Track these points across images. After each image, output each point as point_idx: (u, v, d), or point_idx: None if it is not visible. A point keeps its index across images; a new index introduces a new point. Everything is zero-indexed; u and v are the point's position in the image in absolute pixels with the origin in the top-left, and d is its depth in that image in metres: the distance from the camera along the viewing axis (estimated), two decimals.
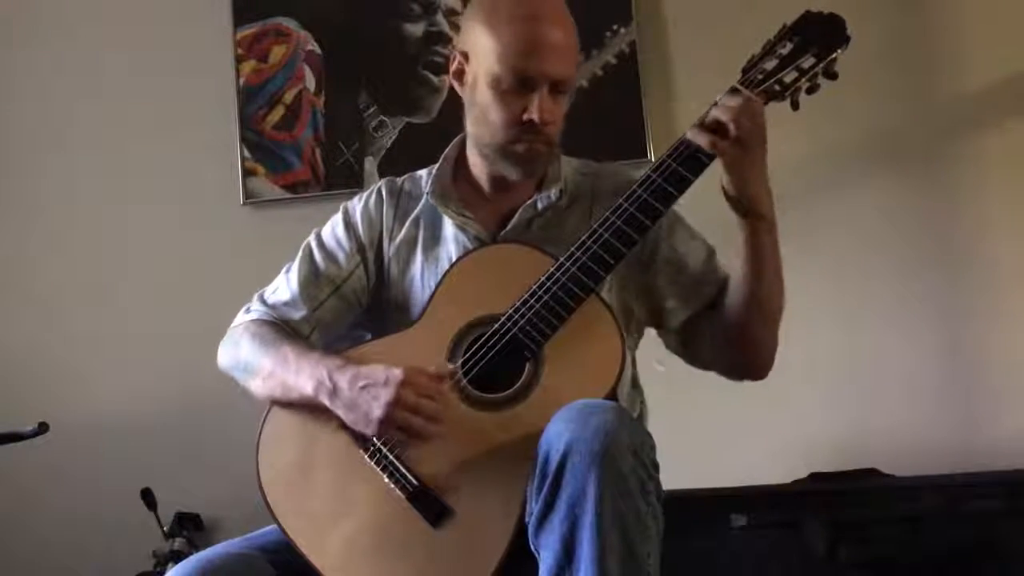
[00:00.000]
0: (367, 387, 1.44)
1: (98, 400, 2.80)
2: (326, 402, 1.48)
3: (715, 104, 1.47)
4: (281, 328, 1.62)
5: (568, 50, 1.56)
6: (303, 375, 1.50)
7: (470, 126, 1.64)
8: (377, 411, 1.42)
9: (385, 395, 1.42)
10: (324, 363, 1.50)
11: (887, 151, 2.56)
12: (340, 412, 1.47)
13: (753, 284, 1.54)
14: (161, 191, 2.86)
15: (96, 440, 2.75)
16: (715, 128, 1.44)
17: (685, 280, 1.64)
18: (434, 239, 1.65)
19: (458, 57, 1.62)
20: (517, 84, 1.53)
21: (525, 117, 1.53)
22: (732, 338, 1.61)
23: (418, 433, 1.42)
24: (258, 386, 1.58)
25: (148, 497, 2.53)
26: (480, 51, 1.56)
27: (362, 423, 1.45)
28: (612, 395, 1.44)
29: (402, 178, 1.74)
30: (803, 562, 2.10)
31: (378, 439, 1.47)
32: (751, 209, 1.49)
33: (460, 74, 1.62)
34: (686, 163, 1.46)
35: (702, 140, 1.44)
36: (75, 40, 2.93)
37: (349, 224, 1.69)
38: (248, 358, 1.59)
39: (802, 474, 2.27)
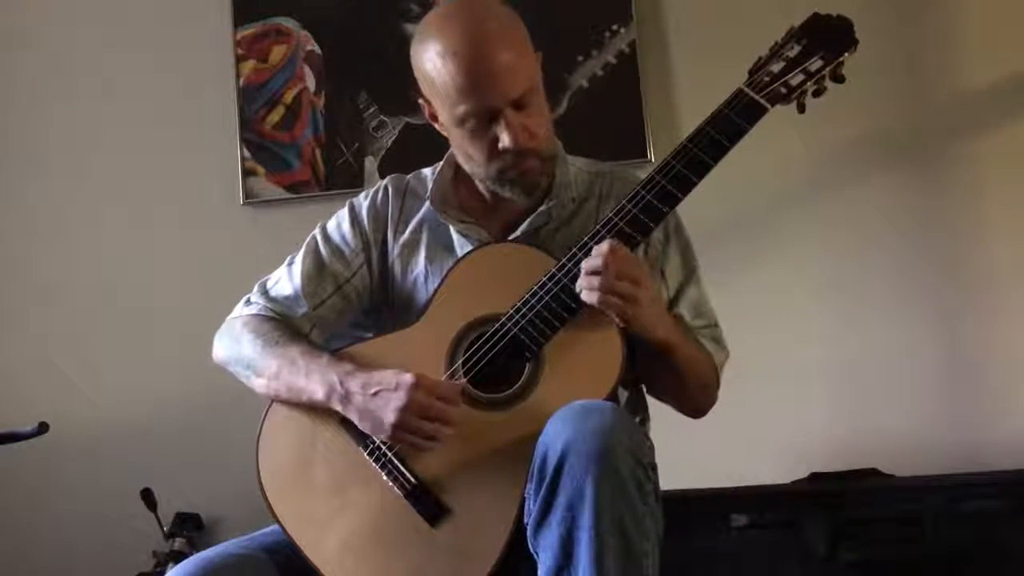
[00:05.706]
0: (379, 393, 1.43)
1: (98, 400, 2.80)
2: (339, 408, 1.48)
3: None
4: (283, 326, 1.60)
5: (516, 65, 1.48)
6: (313, 380, 1.49)
7: (460, 161, 1.62)
8: (390, 416, 1.41)
9: (396, 400, 1.41)
10: (334, 368, 1.49)
11: (886, 151, 2.56)
12: (353, 418, 1.47)
13: (673, 379, 1.57)
14: (161, 191, 2.86)
15: (96, 440, 2.76)
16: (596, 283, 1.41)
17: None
18: (438, 242, 1.64)
19: (424, 105, 1.60)
20: (479, 119, 1.49)
21: (500, 146, 1.49)
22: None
23: (431, 436, 1.42)
24: (262, 385, 1.56)
25: (148, 497, 2.53)
26: (435, 96, 1.53)
27: (375, 429, 1.45)
28: (611, 397, 1.43)
29: (408, 176, 1.72)
30: (803, 562, 2.09)
31: (393, 444, 1.46)
32: (655, 345, 1.48)
33: (434, 118, 1.60)
34: (690, 166, 1.45)
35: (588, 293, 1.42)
36: (75, 40, 2.92)
37: (355, 221, 1.67)
38: (251, 356, 1.57)
39: (802, 474, 2.27)
